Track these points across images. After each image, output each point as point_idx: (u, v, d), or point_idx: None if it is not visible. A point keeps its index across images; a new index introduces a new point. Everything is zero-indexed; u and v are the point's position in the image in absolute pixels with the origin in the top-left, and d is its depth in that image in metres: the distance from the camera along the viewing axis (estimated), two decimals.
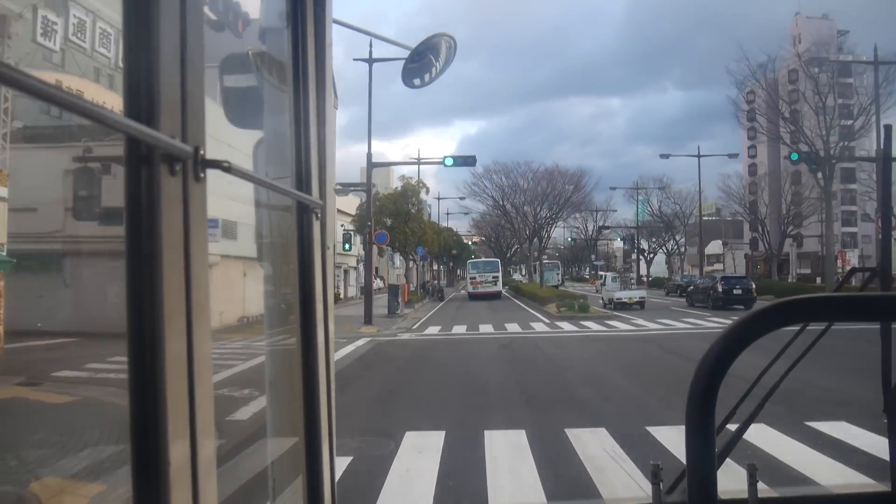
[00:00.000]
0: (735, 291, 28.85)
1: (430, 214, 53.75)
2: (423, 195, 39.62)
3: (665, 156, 75.44)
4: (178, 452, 0.69)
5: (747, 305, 27.72)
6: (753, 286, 30.46)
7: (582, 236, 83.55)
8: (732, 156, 46.85)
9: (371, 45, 22.27)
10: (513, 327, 21.38)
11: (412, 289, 38.34)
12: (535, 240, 52.17)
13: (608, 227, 70.37)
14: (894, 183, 1.62)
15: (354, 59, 20.09)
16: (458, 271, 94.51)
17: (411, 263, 45.37)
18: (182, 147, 0.72)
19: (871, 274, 1.43)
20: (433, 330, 21.26)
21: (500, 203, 53.94)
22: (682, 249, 67.03)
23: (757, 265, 65.45)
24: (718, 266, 73.13)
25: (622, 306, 30.11)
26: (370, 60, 22.08)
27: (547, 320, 24.42)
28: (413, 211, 36.91)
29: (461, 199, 55.36)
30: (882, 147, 1.46)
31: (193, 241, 0.74)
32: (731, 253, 66.87)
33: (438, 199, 61.73)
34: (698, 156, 43.23)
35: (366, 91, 23.46)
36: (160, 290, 0.68)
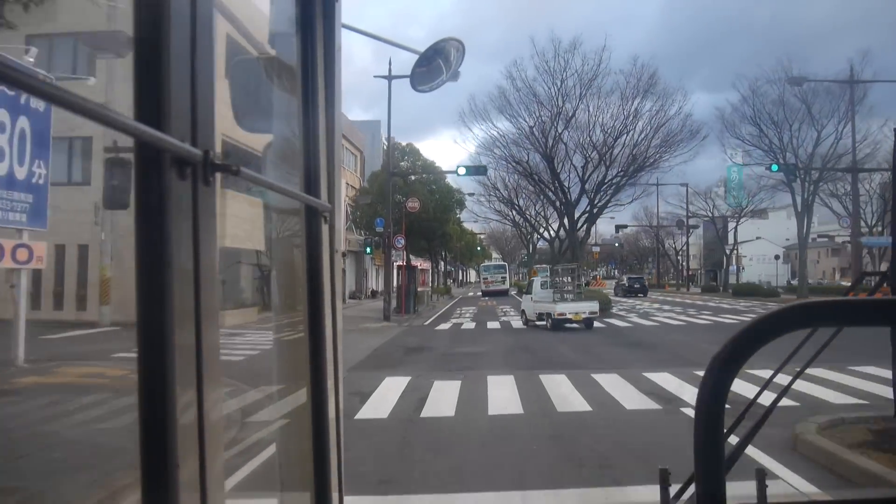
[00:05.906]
0: (635, 286, 46.87)
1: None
2: None
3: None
4: (187, 454, 0.70)
5: (644, 294, 45.05)
6: (647, 281, 51.53)
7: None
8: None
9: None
10: None
11: None
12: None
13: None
14: None
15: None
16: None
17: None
18: (192, 151, 0.73)
19: (882, 278, 1.42)
20: None
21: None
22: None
23: None
24: None
25: (559, 326, 19.10)
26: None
27: None
28: None
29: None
30: (894, 153, 1.44)
31: (203, 244, 0.75)
32: None
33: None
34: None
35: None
36: (170, 293, 0.69)
